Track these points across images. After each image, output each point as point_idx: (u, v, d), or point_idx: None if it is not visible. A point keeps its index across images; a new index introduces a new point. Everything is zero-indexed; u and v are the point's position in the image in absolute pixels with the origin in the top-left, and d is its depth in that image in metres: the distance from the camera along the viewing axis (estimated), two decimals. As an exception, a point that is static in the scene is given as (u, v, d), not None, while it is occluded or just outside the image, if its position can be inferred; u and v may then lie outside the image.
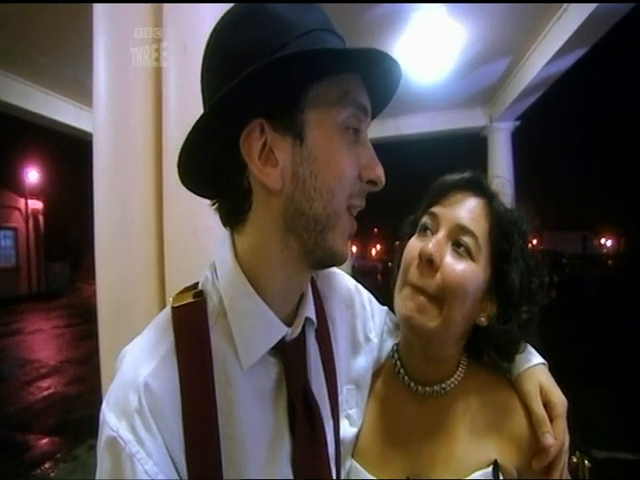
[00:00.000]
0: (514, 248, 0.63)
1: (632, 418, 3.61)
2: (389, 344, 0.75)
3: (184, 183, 0.55)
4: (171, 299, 0.54)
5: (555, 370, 0.68)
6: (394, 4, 2.91)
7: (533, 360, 0.67)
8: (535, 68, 3.62)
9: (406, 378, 0.69)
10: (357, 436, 0.68)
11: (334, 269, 0.71)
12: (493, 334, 0.65)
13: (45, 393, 4.88)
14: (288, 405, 0.53)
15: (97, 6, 1.39)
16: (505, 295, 0.64)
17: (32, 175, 15.59)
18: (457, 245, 0.63)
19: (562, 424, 0.62)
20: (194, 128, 0.46)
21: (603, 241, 53.21)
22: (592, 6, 2.59)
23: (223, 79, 0.45)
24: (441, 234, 0.64)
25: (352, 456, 0.67)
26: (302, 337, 0.57)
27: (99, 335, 1.40)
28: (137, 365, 0.47)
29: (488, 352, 0.68)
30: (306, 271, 0.54)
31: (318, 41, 0.46)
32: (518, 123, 5.01)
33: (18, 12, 2.81)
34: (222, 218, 0.55)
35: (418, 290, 0.62)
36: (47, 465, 3.24)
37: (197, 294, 0.53)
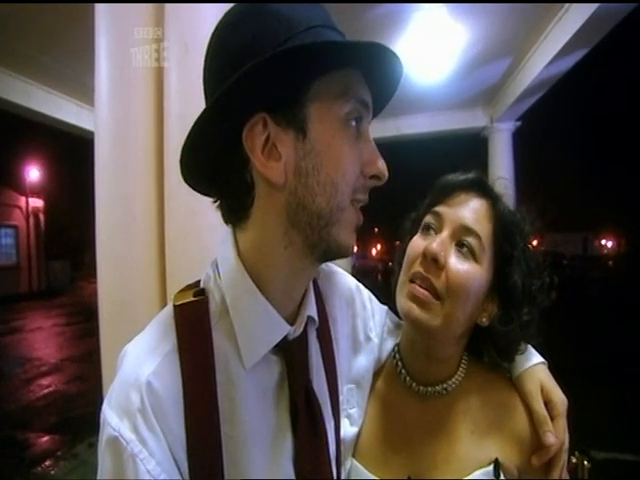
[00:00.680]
0: (517, 250, 0.63)
1: (632, 419, 3.61)
2: (389, 344, 0.75)
3: (186, 180, 0.55)
4: (172, 297, 0.54)
5: (555, 370, 0.68)
6: (395, 4, 2.91)
7: (533, 359, 0.68)
8: (536, 68, 3.61)
9: (407, 378, 0.69)
10: (358, 436, 0.68)
11: (335, 268, 0.72)
12: (494, 335, 0.65)
13: (45, 391, 4.88)
14: (290, 404, 0.53)
15: (98, 6, 1.40)
16: (507, 296, 0.64)
17: (33, 173, 15.58)
18: (461, 245, 0.63)
19: (563, 423, 0.62)
20: (196, 124, 0.46)
21: (604, 242, 53.19)
22: (593, 7, 2.59)
23: (225, 75, 0.45)
24: (445, 234, 0.64)
25: (353, 456, 0.67)
26: (304, 336, 0.57)
27: (100, 333, 1.40)
28: (139, 364, 0.47)
29: (489, 352, 0.68)
30: (310, 266, 0.54)
31: (320, 37, 0.46)
32: (519, 124, 5.01)
33: (19, 11, 2.81)
34: (224, 215, 0.55)
35: (421, 287, 0.62)
36: (47, 463, 3.24)
37: (199, 292, 0.53)
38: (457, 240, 0.64)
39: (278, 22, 0.45)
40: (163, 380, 0.46)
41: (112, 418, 0.44)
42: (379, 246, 60.38)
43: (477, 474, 0.61)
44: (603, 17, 2.67)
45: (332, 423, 0.59)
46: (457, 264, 0.62)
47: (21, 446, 3.55)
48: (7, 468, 3.25)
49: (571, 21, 2.91)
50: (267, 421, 0.52)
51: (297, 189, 0.47)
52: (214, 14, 1.22)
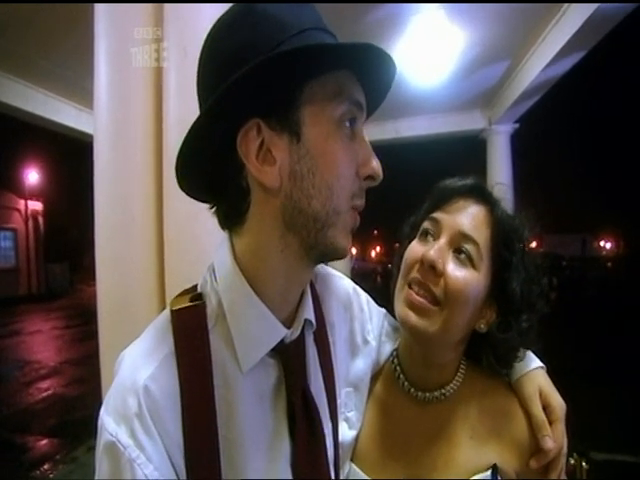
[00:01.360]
0: (515, 256, 0.63)
1: (630, 420, 3.60)
2: (387, 347, 0.75)
3: (182, 188, 0.54)
4: (170, 303, 0.54)
5: (553, 372, 0.68)
6: (393, 7, 2.92)
7: (532, 364, 0.68)
8: (534, 71, 3.63)
9: (406, 383, 0.69)
10: (356, 439, 0.68)
11: (333, 271, 0.72)
12: (492, 341, 0.65)
13: (44, 394, 4.86)
14: (287, 407, 0.53)
15: (98, 6, 1.40)
16: (505, 303, 0.64)
17: (32, 176, 15.58)
18: (459, 252, 0.63)
19: (561, 427, 0.62)
20: (190, 131, 0.46)
21: (602, 243, 53.22)
22: (590, 9, 2.60)
23: (218, 81, 0.45)
24: (443, 241, 0.64)
25: (351, 460, 0.67)
26: (301, 339, 0.57)
27: (99, 336, 1.40)
28: (136, 368, 0.47)
29: (487, 358, 0.68)
30: (306, 269, 0.54)
31: (311, 40, 0.46)
32: (517, 126, 5.02)
33: (18, 13, 2.82)
34: (220, 221, 0.55)
35: (418, 294, 0.62)
36: (46, 466, 3.23)
37: (196, 297, 0.53)
38: (455, 247, 0.63)
39: (270, 26, 0.45)
40: (160, 384, 0.46)
41: (109, 423, 0.44)
42: (378, 248, 60.32)
43: (475, 478, 0.61)
44: (600, 20, 2.68)
45: (330, 426, 0.59)
46: (455, 271, 0.61)
47: (20, 449, 3.53)
48: (6, 471, 3.24)
49: (569, 24, 2.92)
50: (265, 424, 0.52)
51: (292, 193, 0.47)
52: (214, 14, 1.20)
